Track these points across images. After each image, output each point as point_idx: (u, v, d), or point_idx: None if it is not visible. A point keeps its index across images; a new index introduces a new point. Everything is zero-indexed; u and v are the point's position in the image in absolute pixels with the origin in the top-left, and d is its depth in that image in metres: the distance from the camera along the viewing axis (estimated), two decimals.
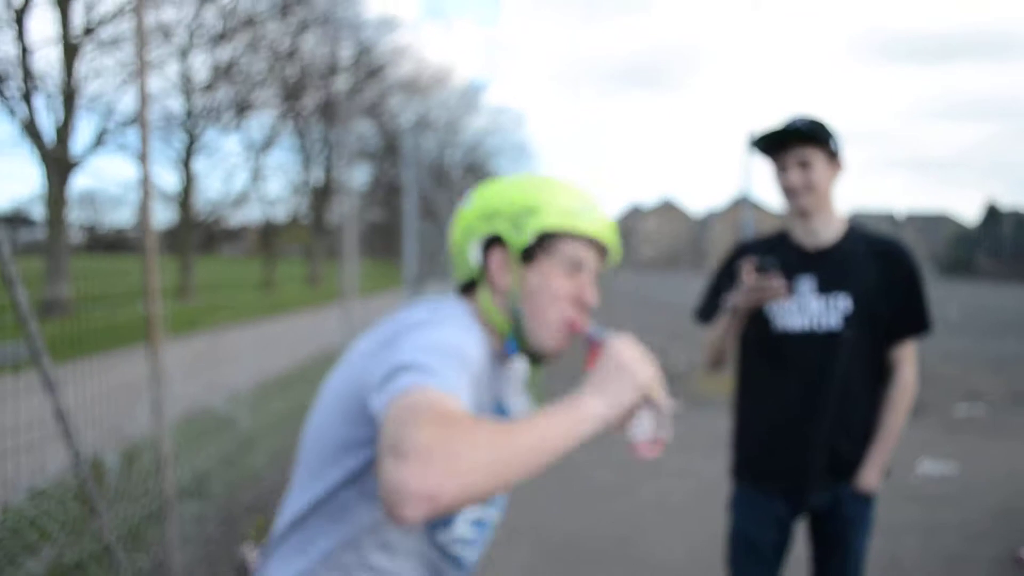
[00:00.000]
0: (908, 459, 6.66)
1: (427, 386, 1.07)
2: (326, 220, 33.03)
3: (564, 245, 1.38)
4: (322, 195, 31.88)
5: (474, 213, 1.41)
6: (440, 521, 1.33)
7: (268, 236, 35.83)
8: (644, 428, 1.30)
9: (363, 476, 1.28)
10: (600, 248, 1.43)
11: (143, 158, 3.54)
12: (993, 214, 47.34)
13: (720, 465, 6.80)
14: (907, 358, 2.43)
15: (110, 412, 3.24)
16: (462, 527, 1.38)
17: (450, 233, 1.47)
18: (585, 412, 1.21)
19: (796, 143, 2.36)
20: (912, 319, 2.45)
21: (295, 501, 1.37)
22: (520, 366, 1.57)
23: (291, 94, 28.16)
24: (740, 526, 2.61)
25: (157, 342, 3.56)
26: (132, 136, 21.58)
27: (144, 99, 3.51)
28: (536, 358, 1.45)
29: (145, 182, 3.52)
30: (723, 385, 10.68)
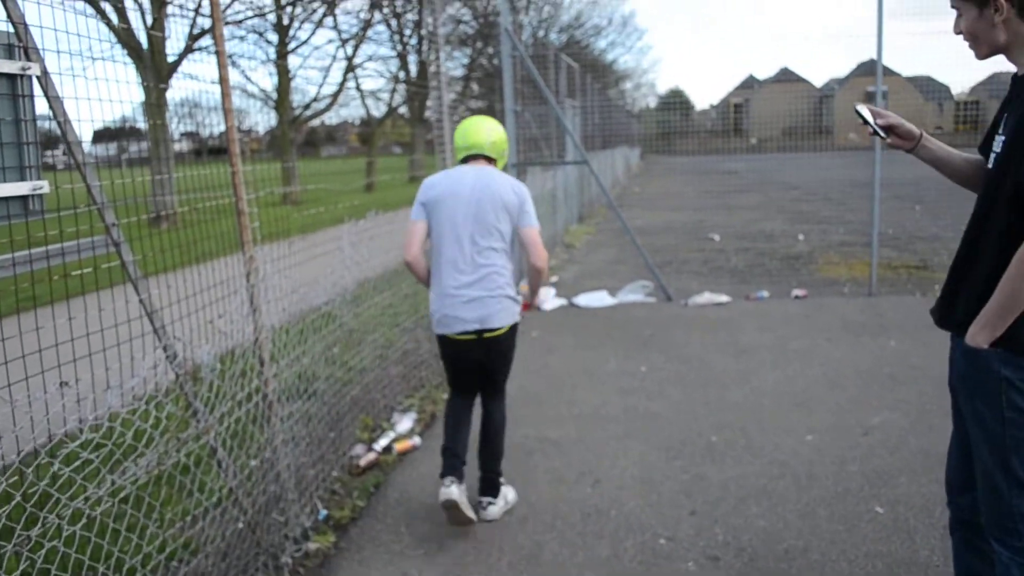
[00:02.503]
0: None
1: (538, 230, 3.69)
2: (424, 112, 32.72)
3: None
4: (419, 85, 31.45)
5: (505, 140, 3.81)
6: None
7: (368, 132, 35.86)
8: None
9: (512, 243, 3.68)
10: None
11: (219, 54, 3.29)
12: None
13: (844, 350, 6.43)
14: None
15: (207, 312, 3.10)
16: None
17: (495, 139, 3.76)
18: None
19: None
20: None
21: (497, 245, 3.63)
22: None
23: None
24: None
25: (248, 237, 3.38)
26: (224, 36, 21.63)
27: None
28: None
29: (222, 77, 3.27)
30: (847, 269, 10.10)
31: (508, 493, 3.86)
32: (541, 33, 39.14)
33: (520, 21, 34.18)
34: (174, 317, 2.79)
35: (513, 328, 3.70)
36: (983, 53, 2.19)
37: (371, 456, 4.48)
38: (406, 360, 5.93)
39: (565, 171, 13.65)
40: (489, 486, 3.76)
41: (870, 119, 2.43)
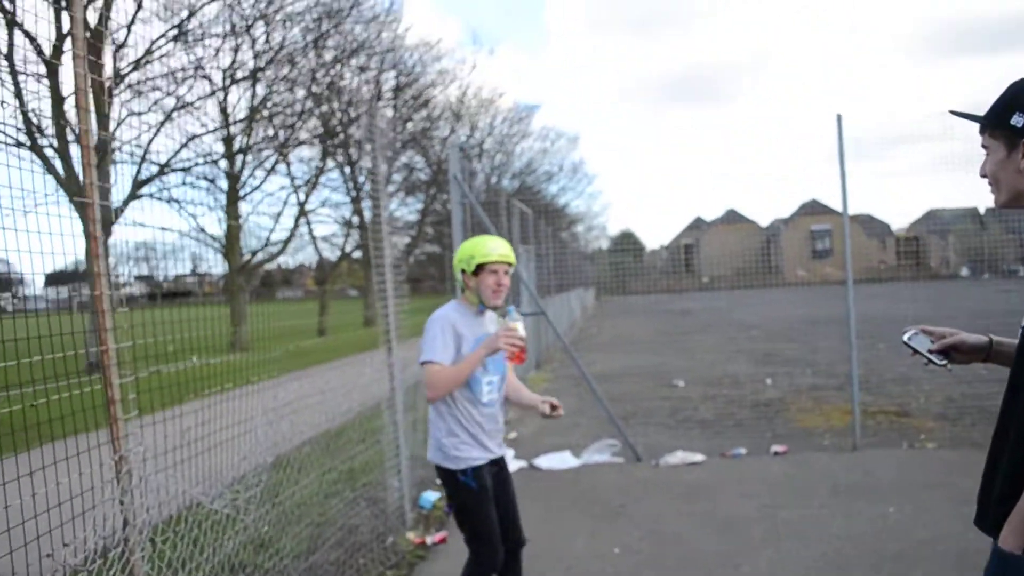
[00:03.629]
0: None
1: (428, 362, 3.46)
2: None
3: (486, 266, 3.58)
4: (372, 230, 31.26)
5: (457, 258, 3.70)
6: (475, 396, 3.62)
7: (321, 276, 35.40)
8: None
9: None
10: (502, 263, 3.62)
11: (88, 190, 2.66)
12: None
13: (841, 521, 5.71)
14: None
15: (44, 542, 2.32)
16: (486, 389, 3.65)
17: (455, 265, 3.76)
18: (476, 357, 3.46)
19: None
20: None
21: None
22: (491, 315, 3.79)
23: (333, 127, 27.58)
24: None
25: (119, 432, 2.64)
26: (173, 182, 21.21)
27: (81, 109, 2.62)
28: (493, 308, 3.68)
29: (90, 220, 2.62)
30: (823, 417, 9.49)
31: None
32: (494, 180, 39.76)
33: (473, 168, 34.63)
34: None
35: (440, 470, 3.71)
36: (1003, 200, 1.98)
37: None
38: (347, 542, 5.08)
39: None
40: None
41: (922, 348, 2.18)
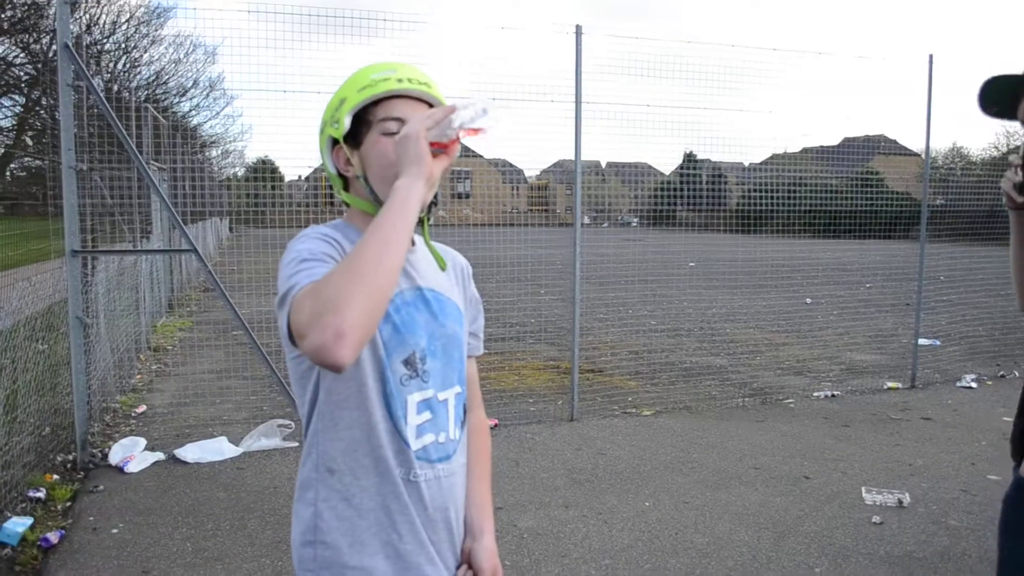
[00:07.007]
0: (853, 488, 4.80)
1: (296, 295, 1.27)
2: None
3: (372, 115, 1.46)
4: None
5: (322, 121, 1.54)
6: (387, 428, 1.44)
7: None
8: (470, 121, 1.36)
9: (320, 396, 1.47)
10: (413, 98, 1.47)
11: None
12: (690, 164, 49.98)
13: (601, 522, 4.55)
14: None
15: None
16: (415, 417, 1.46)
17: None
18: (401, 193, 1.32)
19: None
20: None
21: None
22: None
23: None
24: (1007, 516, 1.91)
25: None
26: None
27: None
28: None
29: None
30: (515, 376, 8.44)
31: None
32: (116, 88, 34.40)
33: (92, 70, 29.44)
34: None
35: None
36: None
37: None
38: None
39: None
40: None
41: None
